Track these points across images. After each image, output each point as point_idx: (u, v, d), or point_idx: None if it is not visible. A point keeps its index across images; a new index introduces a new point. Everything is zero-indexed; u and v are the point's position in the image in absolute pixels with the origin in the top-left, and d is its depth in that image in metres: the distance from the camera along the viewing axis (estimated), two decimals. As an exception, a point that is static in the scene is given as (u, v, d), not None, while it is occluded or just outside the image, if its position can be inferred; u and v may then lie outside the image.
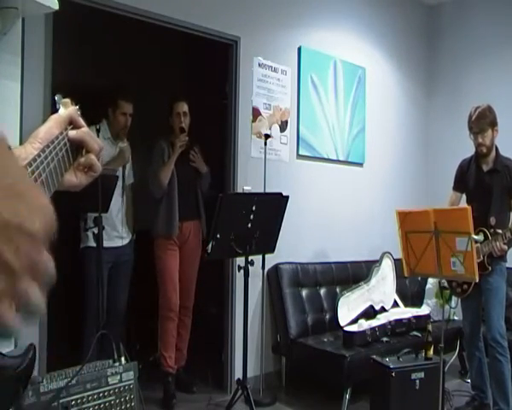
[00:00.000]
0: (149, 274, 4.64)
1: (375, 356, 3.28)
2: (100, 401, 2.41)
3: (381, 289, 4.39)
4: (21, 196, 0.41)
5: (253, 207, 2.96)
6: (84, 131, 0.79)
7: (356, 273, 4.54)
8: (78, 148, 0.78)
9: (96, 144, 0.80)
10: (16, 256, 0.39)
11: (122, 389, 2.50)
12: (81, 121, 0.81)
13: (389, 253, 4.47)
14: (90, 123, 0.82)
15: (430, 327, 3.28)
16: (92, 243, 3.42)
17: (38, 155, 0.64)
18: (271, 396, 3.83)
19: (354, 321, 3.98)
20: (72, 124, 0.79)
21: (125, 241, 3.72)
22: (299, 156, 4.39)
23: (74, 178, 0.79)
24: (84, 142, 0.79)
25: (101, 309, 3.14)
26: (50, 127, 0.76)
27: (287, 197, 3.14)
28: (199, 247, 3.86)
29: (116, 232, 3.66)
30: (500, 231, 3.30)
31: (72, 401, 2.31)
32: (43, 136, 0.74)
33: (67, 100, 0.83)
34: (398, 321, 4.09)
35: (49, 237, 0.42)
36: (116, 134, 3.71)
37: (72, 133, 0.77)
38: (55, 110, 0.82)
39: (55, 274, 0.42)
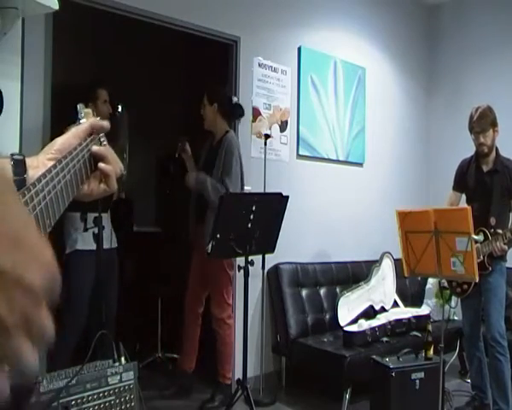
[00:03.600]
0: (151, 274, 4.64)
1: (375, 356, 3.28)
2: (100, 401, 2.41)
3: (381, 289, 4.39)
4: (22, 245, 0.37)
5: (253, 207, 2.95)
6: (108, 150, 0.80)
7: (356, 273, 4.54)
8: (96, 162, 0.79)
9: (116, 165, 0.80)
10: (10, 311, 0.35)
11: (122, 389, 2.50)
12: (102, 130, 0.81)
13: (389, 253, 4.47)
14: None
15: (430, 327, 3.28)
16: (80, 247, 3.27)
17: (54, 166, 0.63)
18: (271, 396, 3.83)
19: (354, 321, 3.98)
20: (92, 135, 0.79)
21: (110, 244, 3.51)
22: (299, 156, 4.39)
23: (86, 186, 0.78)
24: (105, 158, 0.79)
25: (104, 312, 3.10)
26: (68, 138, 0.76)
27: (287, 197, 3.14)
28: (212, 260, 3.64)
29: (105, 234, 3.52)
30: (500, 231, 3.30)
31: (72, 401, 2.31)
32: (58, 147, 0.74)
33: (89, 110, 0.84)
34: (398, 321, 4.09)
35: (50, 295, 0.38)
36: None
37: (95, 148, 0.78)
38: (75, 119, 0.83)
39: (53, 335, 0.38)
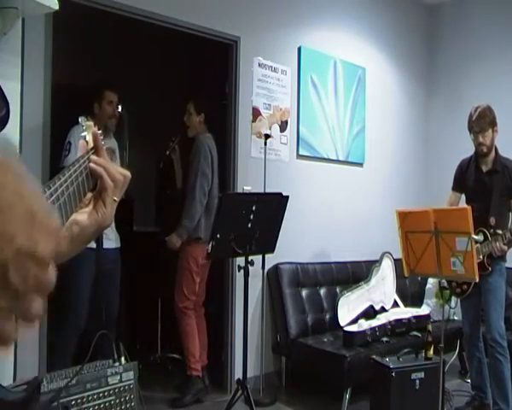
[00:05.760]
0: (151, 274, 4.64)
1: (375, 356, 3.28)
2: (100, 401, 2.41)
3: (381, 289, 4.39)
4: (34, 218, 0.40)
5: (253, 207, 2.95)
6: (105, 166, 0.77)
7: (356, 273, 4.54)
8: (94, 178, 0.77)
9: (110, 182, 0.77)
10: (24, 281, 0.39)
11: (122, 389, 2.50)
12: (103, 150, 0.79)
13: (389, 253, 4.47)
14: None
15: (430, 327, 3.28)
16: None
17: (58, 178, 0.63)
18: (271, 396, 3.83)
19: (354, 321, 3.98)
20: (94, 148, 0.78)
21: (114, 243, 3.56)
22: (299, 156, 4.39)
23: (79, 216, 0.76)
24: (101, 178, 0.77)
25: (104, 312, 3.10)
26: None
27: (287, 197, 3.14)
28: (182, 250, 3.80)
29: (104, 234, 3.51)
30: (500, 231, 3.30)
31: (72, 401, 2.31)
32: None
33: (91, 123, 0.82)
34: (398, 321, 4.09)
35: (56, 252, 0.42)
36: (104, 127, 3.43)
37: (92, 166, 0.76)
38: (76, 121, 0.82)
39: (54, 282, 0.42)
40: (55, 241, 0.41)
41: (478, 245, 3.21)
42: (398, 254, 3.21)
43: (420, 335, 3.95)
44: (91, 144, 0.79)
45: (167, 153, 3.94)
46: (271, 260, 3.93)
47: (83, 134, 0.80)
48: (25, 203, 0.40)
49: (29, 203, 0.40)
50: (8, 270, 0.38)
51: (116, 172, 0.78)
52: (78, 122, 0.82)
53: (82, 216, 0.75)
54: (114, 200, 0.78)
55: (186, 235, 3.71)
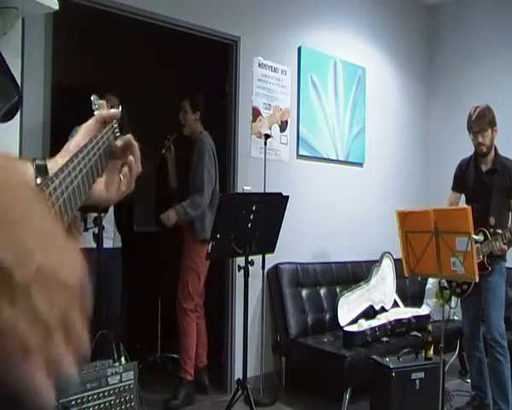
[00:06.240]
0: (151, 274, 4.64)
1: (375, 356, 3.28)
2: (100, 401, 2.41)
3: (381, 289, 4.39)
4: (57, 245, 0.37)
5: (253, 207, 2.95)
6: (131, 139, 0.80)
7: (356, 273, 4.54)
8: (112, 154, 0.78)
9: (138, 160, 0.80)
10: (50, 307, 0.34)
11: (122, 389, 2.50)
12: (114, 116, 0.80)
13: (389, 253, 4.47)
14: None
15: (430, 327, 3.28)
16: (81, 245, 3.31)
17: (71, 161, 0.63)
18: (271, 396, 3.83)
19: (354, 321, 3.98)
20: (105, 124, 0.79)
21: (115, 243, 3.56)
22: (299, 156, 4.39)
23: (101, 184, 0.77)
24: (131, 146, 0.79)
25: (105, 312, 3.10)
26: (81, 137, 0.76)
27: (287, 197, 3.14)
28: (187, 250, 3.78)
29: (105, 233, 3.53)
30: (500, 231, 3.30)
31: (72, 401, 2.31)
32: (73, 149, 0.73)
33: (103, 102, 0.83)
34: (398, 321, 4.09)
35: (83, 300, 0.37)
36: None
37: (128, 136, 0.79)
38: (91, 111, 0.83)
39: (88, 346, 0.37)
40: (79, 273, 0.37)
41: (478, 245, 3.21)
42: (398, 254, 3.21)
43: (420, 335, 3.95)
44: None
45: (163, 151, 3.93)
46: (271, 260, 3.93)
47: (96, 113, 0.81)
48: (42, 227, 0.36)
49: (47, 228, 0.37)
50: (32, 294, 0.33)
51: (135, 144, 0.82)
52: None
53: (99, 186, 0.77)
54: (127, 186, 0.81)
55: (183, 219, 3.66)
